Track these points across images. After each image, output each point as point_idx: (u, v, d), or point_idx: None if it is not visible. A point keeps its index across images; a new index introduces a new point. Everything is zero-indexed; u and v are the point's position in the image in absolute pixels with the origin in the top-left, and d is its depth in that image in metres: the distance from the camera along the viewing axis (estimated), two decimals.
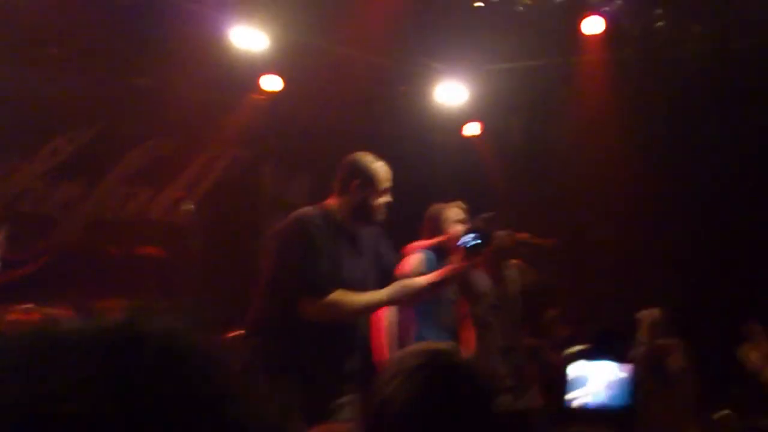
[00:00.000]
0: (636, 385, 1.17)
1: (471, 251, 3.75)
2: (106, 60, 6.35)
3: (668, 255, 6.70)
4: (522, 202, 7.19)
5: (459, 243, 3.79)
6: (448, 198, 4.85)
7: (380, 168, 3.65)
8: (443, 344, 1.65)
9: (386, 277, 3.60)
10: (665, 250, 6.73)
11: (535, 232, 6.14)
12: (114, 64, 6.39)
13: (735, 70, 6.59)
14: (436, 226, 4.65)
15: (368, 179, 3.58)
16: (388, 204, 3.67)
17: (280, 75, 6.50)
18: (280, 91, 6.59)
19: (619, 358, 1.20)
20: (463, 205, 4.70)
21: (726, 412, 4.70)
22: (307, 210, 3.48)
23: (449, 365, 1.51)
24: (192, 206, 6.01)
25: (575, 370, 1.24)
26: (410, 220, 4.93)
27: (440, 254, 4.52)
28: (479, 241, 3.72)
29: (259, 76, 6.50)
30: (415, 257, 4.43)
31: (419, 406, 1.44)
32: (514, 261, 4.96)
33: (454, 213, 4.65)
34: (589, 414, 1.27)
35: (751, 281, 6.02)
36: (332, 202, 3.57)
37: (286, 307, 3.26)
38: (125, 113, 6.64)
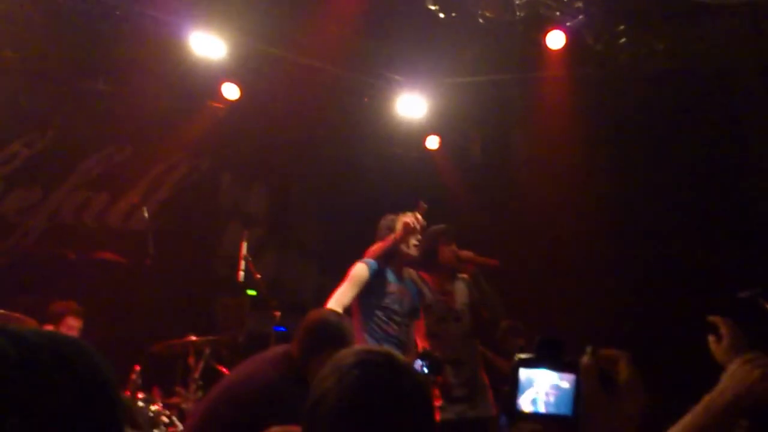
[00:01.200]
0: (579, 395, 1.17)
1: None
2: (64, 64, 6.28)
3: (623, 268, 6.76)
4: (480, 215, 7.22)
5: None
6: (408, 210, 4.88)
7: None
8: (376, 346, 1.62)
9: None
10: (620, 262, 6.79)
11: (493, 246, 6.20)
12: (72, 69, 6.32)
13: (695, 91, 6.68)
14: (386, 235, 4.70)
15: None
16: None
17: (239, 83, 6.46)
18: (238, 100, 6.54)
19: (563, 367, 1.20)
20: (415, 213, 4.71)
21: None
22: None
23: (384, 365, 1.50)
24: (147, 214, 5.94)
25: (521, 376, 1.24)
26: (371, 229, 4.96)
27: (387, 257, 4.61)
28: (426, 371, 3.86)
29: (219, 84, 6.45)
30: (360, 266, 4.51)
31: (352, 403, 1.44)
32: (463, 275, 5.01)
33: (406, 221, 4.68)
34: (534, 420, 1.28)
35: (709, 294, 6.10)
36: None
37: None
38: (83, 118, 6.58)
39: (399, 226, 4.64)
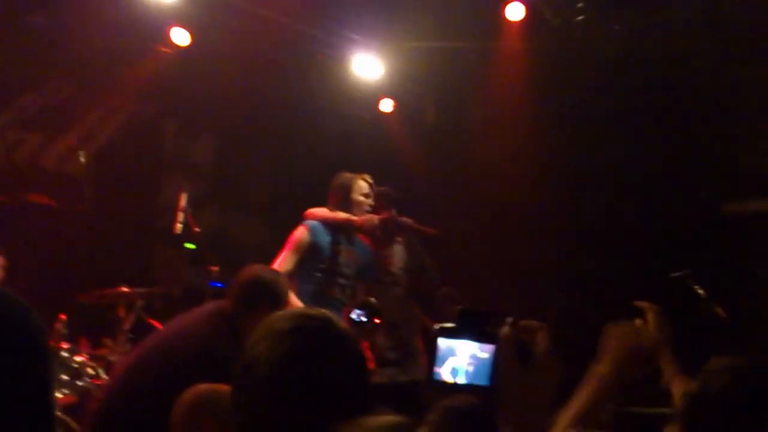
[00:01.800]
0: (498, 366, 1.20)
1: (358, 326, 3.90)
2: None
3: (571, 239, 6.85)
4: (431, 180, 7.21)
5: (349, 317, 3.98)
6: (359, 171, 4.83)
7: None
8: (314, 309, 1.63)
9: None
10: (569, 234, 6.88)
11: (443, 212, 6.20)
12: (9, 1, 5.99)
13: (646, 75, 6.75)
14: (342, 196, 4.71)
15: None
16: None
17: (189, 29, 6.22)
18: (188, 46, 6.30)
19: (483, 337, 1.23)
20: (369, 179, 4.77)
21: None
22: None
23: (319, 333, 1.48)
24: (83, 158, 5.70)
25: (441, 346, 1.27)
26: (321, 188, 4.89)
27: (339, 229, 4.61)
28: (365, 319, 3.89)
29: (168, 28, 6.20)
30: (301, 230, 4.54)
31: (284, 372, 1.42)
32: (399, 239, 5.02)
33: (360, 185, 4.70)
34: (452, 390, 1.30)
35: (647, 272, 6.21)
36: None
37: None
38: (20, 54, 6.24)
39: (355, 187, 4.65)
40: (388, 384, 4.62)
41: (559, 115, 7.06)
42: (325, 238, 4.57)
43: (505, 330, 1.33)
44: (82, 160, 5.73)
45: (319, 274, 4.53)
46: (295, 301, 4.04)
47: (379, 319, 4.21)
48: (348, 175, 4.74)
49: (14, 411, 0.89)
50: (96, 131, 6.70)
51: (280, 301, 3.30)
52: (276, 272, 3.55)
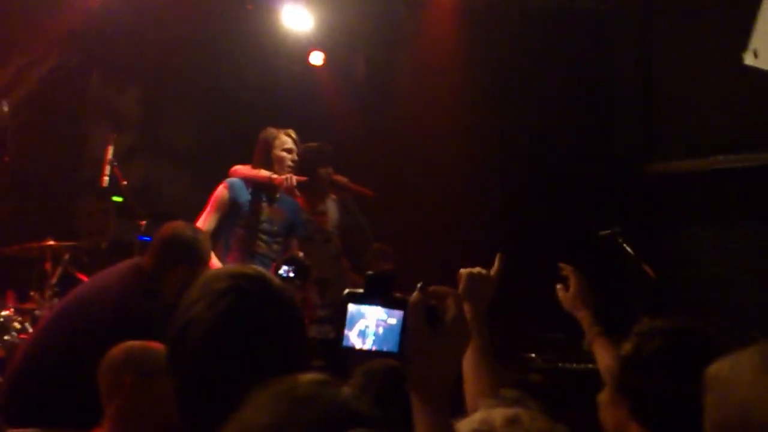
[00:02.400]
0: (406, 332, 1.17)
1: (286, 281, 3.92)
2: None
3: (495, 196, 6.95)
4: (360, 135, 7.22)
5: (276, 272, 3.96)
6: (287, 125, 4.83)
7: None
8: (250, 268, 1.57)
9: None
10: (492, 191, 6.97)
11: (370, 167, 6.24)
12: None
13: (574, 29, 6.85)
14: (266, 150, 4.68)
15: None
16: None
17: None
18: None
19: (392, 303, 1.20)
20: (294, 134, 4.74)
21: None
22: None
23: (257, 292, 1.47)
24: (6, 108, 5.55)
25: (350, 311, 1.24)
26: (248, 140, 4.87)
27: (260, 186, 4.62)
28: (293, 275, 3.88)
29: None
30: (220, 189, 4.55)
31: (222, 332, 1.41)
32: (333, 196, 5.05)
33: (282, 140, 4.67)
34: (360, 355, 1.29)
35: (571, 230, 6.37)
36: None
37: None
38: None
39: (277, 143, 4.64)
40: (319, 341, 4.67)
41: (488, 71, 7.12)
42: (245, 196, 4.56)
43: (414, 295, 1.29)
44: (5, 109, 5.57)
45: (241, 230, 4.54)
46: (216, 261, 4.01)
47: (307, 274, 4.23)
48: (272, 129, 4.70)
49: None
50: (18, 81, 6.50)
51: (201, 260, 3.27)
52: (197, 230, 3.49)
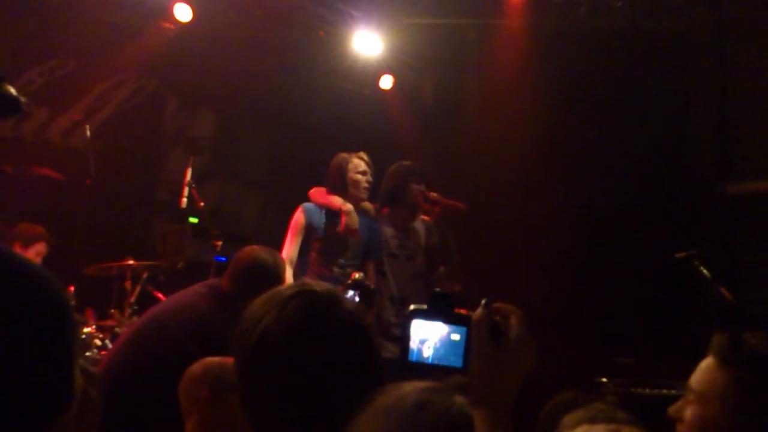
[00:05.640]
0: (469, 348, 1.18)
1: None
2: None
3: (568, 218, 6.85)
4: (428, 158, 7.22)
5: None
6: (357, 148, 4.88)
7: None
8: (314, 281, 1.64)
9: None
10: (565, 213, 6.88)
11: (435, 190, 6.22)
12: None
13: (647, 52, 6.76)
14: (339, 174, 4.71)
15: None
16: None
17: (192, 5, 6.24)
18: (190, 22, 6.32)
19: (456, 319, 1.21)
20: (366, 157, 4.77)
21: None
22: None
23: (321, 294, 1.52)
24: (88, 132, 5.76)
25: (413, 327, 1.26)
26: (318, 164, 4.94)
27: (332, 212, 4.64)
28: (357, 300, 3.89)
29: (171, 4, 6.23)
30: (297, 213, 4.62)
31: (296, 329, 1.44)
32: (424, 217, 5.04)
33: (356, 164, 4.71)
34: (424, 371, 1.30)
35: (646, 254, 6.25)
36: None
37: None
38: (27, 30, 6.29)
39: (351, 167, 4.70)
40: (395, 360, 4.64)
41: (559, 94, 7.06)
42: (319, 219, 4.61)
43: (478, 311, 1.31)
44: (87, 134, 5.78)
45: (315, 253, 4.59)
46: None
47: (372, 298, 4.21)
48: (343, 155, 4.75)
49: (39, 386, 0.89)
50: (99, 105, 6.76)
51: (279, 284, 3.31)
52: (274, 253, 3.50)
